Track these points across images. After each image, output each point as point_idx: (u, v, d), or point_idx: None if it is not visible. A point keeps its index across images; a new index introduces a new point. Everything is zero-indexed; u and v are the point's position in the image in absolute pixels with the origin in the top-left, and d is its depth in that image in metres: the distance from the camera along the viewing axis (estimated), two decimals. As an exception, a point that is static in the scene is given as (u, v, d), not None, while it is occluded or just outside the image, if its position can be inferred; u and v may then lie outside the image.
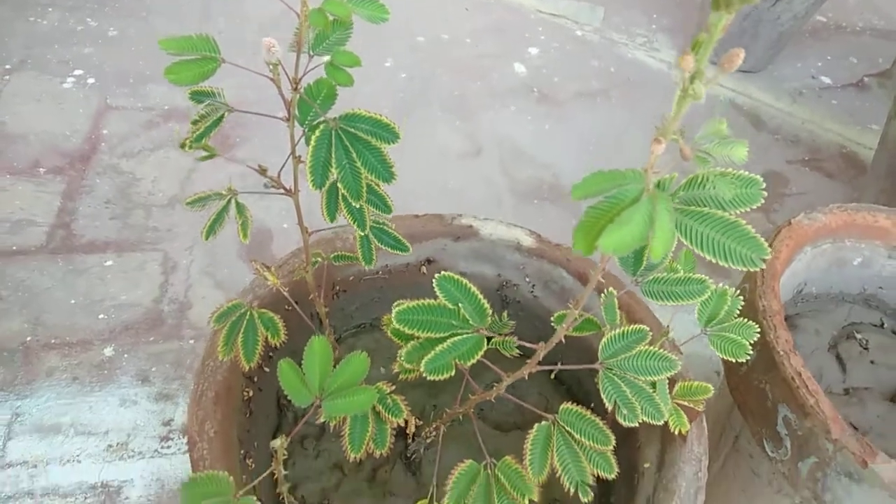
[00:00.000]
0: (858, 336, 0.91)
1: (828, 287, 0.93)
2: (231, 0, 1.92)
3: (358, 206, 0.42)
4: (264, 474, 0.50)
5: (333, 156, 0.41)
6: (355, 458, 0.54)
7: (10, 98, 1.52)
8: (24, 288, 1.18)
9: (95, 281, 1.22)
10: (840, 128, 1.86)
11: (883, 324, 0.95)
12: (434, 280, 0.47)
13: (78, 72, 1.61)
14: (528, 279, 0.78)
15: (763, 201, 0.42)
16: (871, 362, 0.89)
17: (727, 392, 0.79)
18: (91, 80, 1.60)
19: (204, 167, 1.43)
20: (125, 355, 1.13)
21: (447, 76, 1.83)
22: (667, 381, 0.53)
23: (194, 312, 1.20)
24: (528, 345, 0.51)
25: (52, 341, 1.13)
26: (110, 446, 1.03)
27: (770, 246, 0.81)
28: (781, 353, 0.68)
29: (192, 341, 1.16)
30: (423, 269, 0.79)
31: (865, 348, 0.91)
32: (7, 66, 1.59)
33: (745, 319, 0.58)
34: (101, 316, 1.17)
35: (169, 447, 1.04)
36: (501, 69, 1.89)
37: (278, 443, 0.47)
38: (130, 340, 1.15)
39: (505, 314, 0.70)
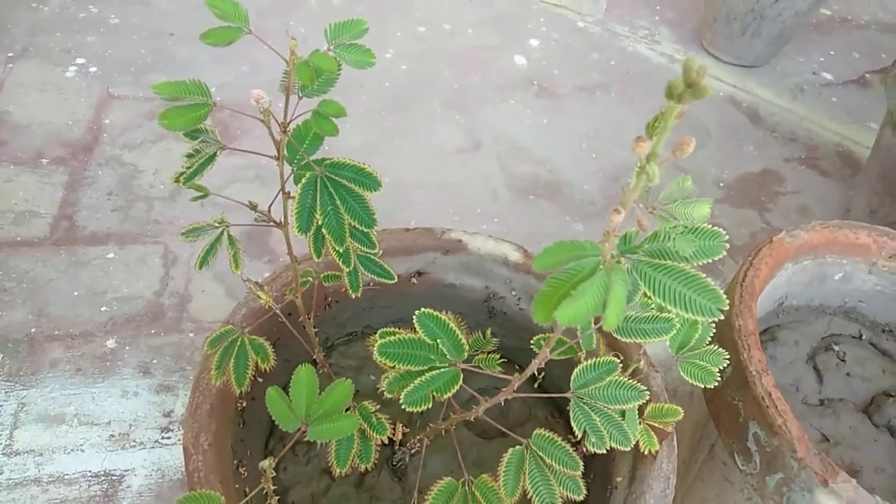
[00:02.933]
0: (836, 348, 0.94)
1: (808, 300, 0.96)
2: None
3: (342, 249, 0.45)
4: (256, 490, 0.53)
5: (318, 202, 0.44)
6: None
7: (15, 88, 1.53)
8: (29, 279, 1.22)
9: (98, 273, 1.25)
10: (838, 126, 1.86)
11: (861, 336, 0.97)
12: (414, 316, 0.49)
13: (80, 60, 1.63)
14: (514, 292, 0.81)
15: (725, 253, 0.44)
16: (847, 374, 0.92)
17: (705, 402, 0.82)
18: (93, 69, 1.62)
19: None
20: (127, 347, 1.16)
21: (448, 69, 1.84)
22: (636, 409, 0.56)
23: (194, 306, 1.23)
24: (507, 377, 0.54)
25: (56, 333, 1.16)
26: (112, 436, 1.06)
27: (751, 263, 0.83)
28: (754, 372, 0.71)
29: (192, 334, 1.19)
30: (414, 280, 0.81)
31: (843, 360, 0.93)
32: (10, 55, 1.60)
33: (719, 341, 0.61)
34: (103, 308, 1.20)
35: (169, 438, 1.08)
36: (502, 61, 1.89)
37: (266, 464, 0.50)
38: (132, 333, 1.18)
39: (489, 331, 0.73)
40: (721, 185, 1.65)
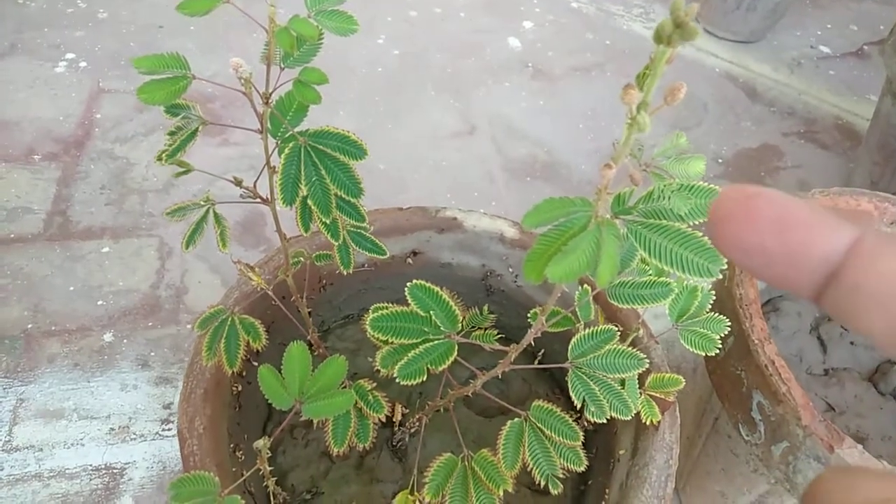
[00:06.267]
0: (840, 317, 0.93)
1: (810, 269, 0.94)
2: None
3: (329, 220, 0.43)
4: (251, 471, 0.52)
5: (303, 172, 0.43)
6: (339, 451, 0.56)
7: (4, 85, 1.52)
8: (24, 276, 1.21)
9: (93, 267, 1.24)
10: (837, 99, 1.84)
11: (865, 304, 0.96)
12: (406, 288, 0.48)
13: (70, 55, 1.61)
14: (511, 269, 0.80)
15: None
16: (851, 343, 0.91)
17: (708, 375, 0.81)
18: (83, 64, 1.60)
19: (197, 153, 1.44)
20: (124, 341, 1.15)
21: (440, 53, 1.82)
22: (636, 377, 0.55)
23: (191, 297, 1.22)
24: (503, 348, 0.53)
25: (53, 328, 1.15)
26: (113, 429, 1.06)
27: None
28: (756, 341, 0.70)
29: (189, 326, 1.18)
30: (409, 260, 0.80)
31: (846, 329, 0.92)
32: (-2, 51, 1.59)
33: (720, 311, 0.60)
34: (99, 302, 1.19)
35: (170, 429, 1.07)
36: (495, 44, 1.87)
37: (261, 444, 0.49)
38: (129, 326, 1.17)
39: (486, 307, 0.71)
40: (720, 161, 1.63)
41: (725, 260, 0.40)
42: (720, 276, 0.37)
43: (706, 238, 0.40)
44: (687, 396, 0.94)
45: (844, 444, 0.63)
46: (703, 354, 0.80)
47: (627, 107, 0.32)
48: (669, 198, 0.39)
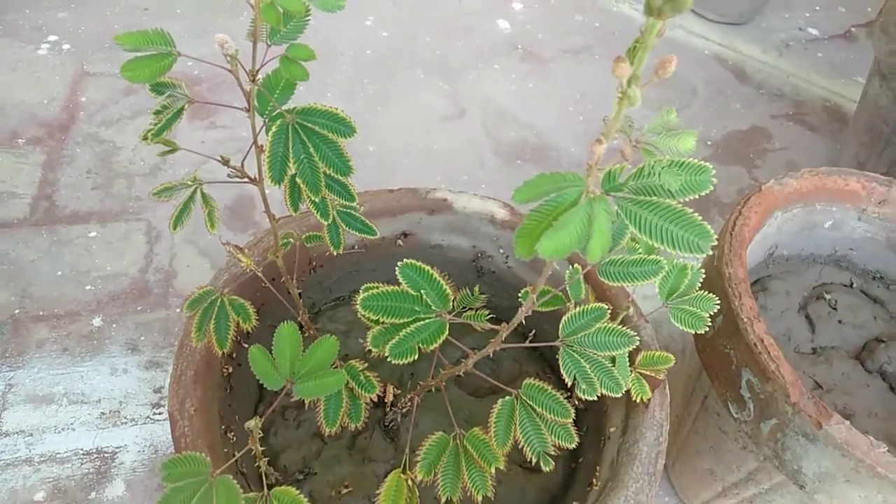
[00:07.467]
0: (828, 297, 0.94)
1: (799, 249, 0.95)
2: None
3: (319, 199, 0.43)
4: (243, 451, 0.52)
5: (291, 150, 0.42)
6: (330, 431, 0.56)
7: (-15, 67, 1.50)
8: (10, 261, 1.19)
9: (81, 252, 1.23)
10: (825, 81, 1.85)
11: (852, 284, 0.97)
12: (397, 268, 0.48)
13: (52, 38, 1.58)
14: (501, 250, 0.80)
15: (712, 188, 0.43)
16: (839, 322, 0.92)
17: (697, 354, 0.82)
18: (66, 46, 1.57)
19: (183, 136, 1.43)
20: (113, 325, 1.15)
21: (429, 35, 1.80)
22: (626, 355, 0.56)
23: (180, 281, 1.22)
24: (494, 327, 0.53)
25: (41, 313, 1.14)
26: (103, 414, 1.05)
27: (740, 212, 0.83)
28: (745, 319, 0.71)
29: (178, 310, 1.18)
30: (400, 241, 0.80)
31: (834, 308, 0.93)
32: (-21, 33, 1.56)
33: (709, 290, 0.60)
34: (87, 287, 1.18)
35: (160, 413, 1.07)
36: (485, 26, 1.86)
37: (252, 424, 0.49)
38: (118, 310, 1.16)
39: (477, 288, 0.71)
40: (709, 143, 1.63)
41: (716, 236, 0.40)
42: (710, 253, 0.37)
43: (697, 214, 0.40)
44: (675, 376, 0.95)
45: (832, 421, 0.64)
46: (693, 333, 0.81)
47: (618, 80, 0.32)
48: (660, 174, 0.39)
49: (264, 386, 0.73)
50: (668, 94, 1.73)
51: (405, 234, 0.80)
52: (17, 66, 1.52)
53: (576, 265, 0.60)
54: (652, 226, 0.39)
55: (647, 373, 0.61)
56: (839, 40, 1.99)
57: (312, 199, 0.43)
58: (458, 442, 0.54)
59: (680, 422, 0.95)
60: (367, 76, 1.66)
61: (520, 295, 0.59)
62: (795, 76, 1.85)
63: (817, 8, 2.10)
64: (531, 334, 0.79)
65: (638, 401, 0.61)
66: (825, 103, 1.78)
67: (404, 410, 0.70)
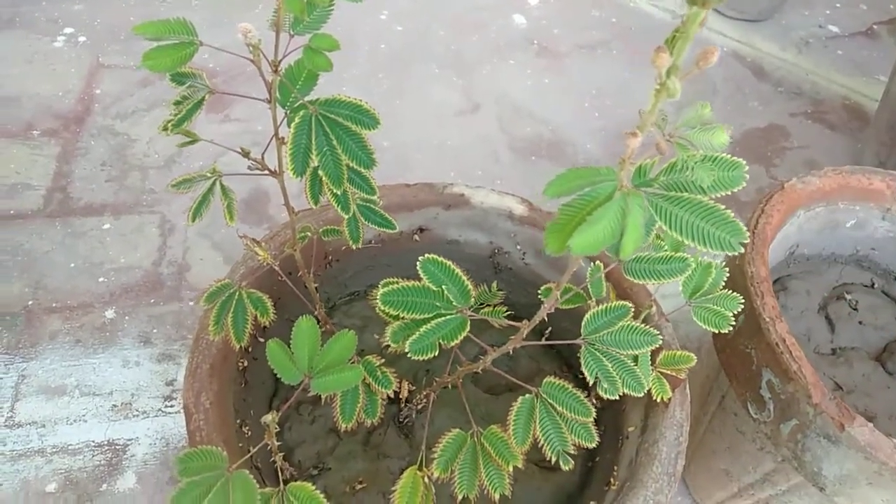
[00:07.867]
0: (848, 297, 0.92)
1: (820, 248, 0.94)
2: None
3: (340, 192, 0.42)
4: (259, 446, 0.52)
5: (314, 142, 0.41)
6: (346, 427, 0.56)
7: (2, 60, 1.50)
8: (24, 252, 1.20)
9: (94, 244, 1.23)
10: (845, 79, 1.82)
11: (874, 284, 0.96)
12: (418, 263, 0.47)
13: (68, 30, 1.59)
14: (519, 247, 0.79)
15: (745, 184, 0.41)
16: (860, 323, 0.90)
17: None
18: (82, 39, 1.58)
19: (199, 128, 1.43)
20: (126, 317, 1.15)
21: (444, 30, 1.79)
22: (649, 354, 0.55)
23: (193, 274, 1.22)
24: (514, 324, 0.52)
25: (54, 305, 1.14)
26: (115, 406, 1.05)
27: (763, 210, 0.81)
28: (767, 319, 0.69)
29: (191, 303, 1.18)
30: (416, 237, 0.79)
31: (855, 309, 0.92)
32: (-5, 25, 1.56)
33: (731, 289, 0.59)
34: (101, 279, 1.18)
35: (172, 406, 1.07)
36: (500, 21, 1.85)
37: (269, 418, 0.48)
38: (131, 303, 1.16)
39: (495, 284, 0.71)
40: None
41: (747, 233, 0.39)
42: (742, 251, 0.36)
43: (729, 211, 0.39)
44: (692, 375, 0.94)
45: (855, 423, 0.62)
46: (712, 333, 0.80)
47: (657, 71, 0.31)
48: (693, 169, 0.38)
49: (280, 380, 0.73)
50: (687, 90, 1.71)
51: (421, 230, 0.79)
52: (33, 59, 1.52)
53: (597, 262, 0.59)
54: (683, 222, 0.38)
55: (668, 372, 0.60)
56: (860, 37, 1.96)
57: (335, 191, 0.42)
58: (476, 439, 0.54)
59: (696, 422, 0.93)
60: (381, 70, 1.65)
61: (540, 292, 0.59)
62: (815, 74, 1.83)
63: (838, 5, 2.07)
64: (547, 331, 0.78)
65: (658, 400, 0.60)
66: (845, 101, 1.76)
67: (419, 407, 0.69)
